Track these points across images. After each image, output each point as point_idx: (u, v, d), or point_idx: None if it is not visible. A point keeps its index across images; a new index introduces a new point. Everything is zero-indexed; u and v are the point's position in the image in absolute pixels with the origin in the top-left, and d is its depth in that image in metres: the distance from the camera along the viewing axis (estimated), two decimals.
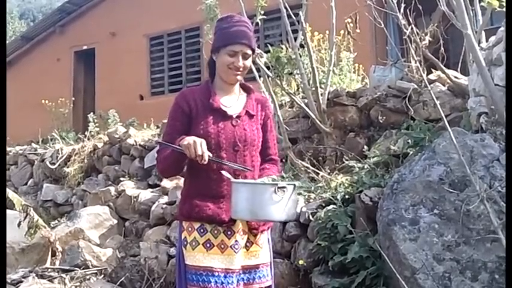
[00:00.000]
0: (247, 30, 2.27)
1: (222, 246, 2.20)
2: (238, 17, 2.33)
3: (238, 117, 2.26)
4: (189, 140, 2.08)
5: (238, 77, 2.28)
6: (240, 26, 2.26)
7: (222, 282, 2.15)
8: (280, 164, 2.52)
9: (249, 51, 2.26)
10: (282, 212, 2.05)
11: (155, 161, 2.29)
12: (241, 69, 2.25)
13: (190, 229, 2.21)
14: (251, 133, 2.27)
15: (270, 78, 5.04)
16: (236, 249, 2.21)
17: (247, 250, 2.26)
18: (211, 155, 2.11)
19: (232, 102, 2.31)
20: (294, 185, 2.10)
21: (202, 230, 2.20)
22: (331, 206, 3.56)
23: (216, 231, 2.20)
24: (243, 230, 2.25)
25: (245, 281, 2.23)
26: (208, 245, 2.19)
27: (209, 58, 2.34)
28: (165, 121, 6.78)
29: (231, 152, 2.21)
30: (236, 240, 2.21)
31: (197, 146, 2.05)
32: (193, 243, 2.19)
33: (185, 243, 2.21)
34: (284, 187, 2.04)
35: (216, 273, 2.15)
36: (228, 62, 2.23)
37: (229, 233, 2.21)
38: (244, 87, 2.39)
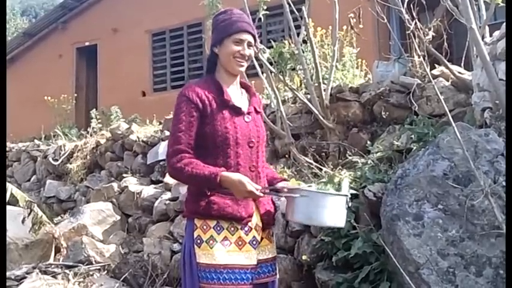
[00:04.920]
0: (248, 20, 2.31)
1: (240, 242, 2.18)
2: (236, 10, 2.35)
3: (248, 113, 2.28)
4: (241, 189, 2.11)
5: (243, 68, 2.29)
6: (241, 17, 2.29)
7: (243, 279, 2.15)
8: None
9: (253, 41, 2.29)
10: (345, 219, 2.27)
11: (170, 165, 2.18)
12: (246, 57, 2.26)
13: (205, 227, 2.17)
14: (261, 129, 2.31)
15: (272, 74, 5.03)
16: (254, 245, 2.21)
17: (259, 245, 2.26)
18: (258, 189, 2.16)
19: (238, 98, 2.31)
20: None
21: (218, 228, 2.17)
22: None
23: (232, 228, 2.18)
24: (258, 225, 2.25)
25: (257, 276, 2.23)
26: (225, 242, 2.16)
27: (209, 53, 2.32)
28: (168, 117, 6.82)
29: (247, 148, 2.22)
30: (254, 236, 2.22)
31: (248, 189, 2.10)
32: (211, 242, 2.15)
33: (199, 241, 2.16)
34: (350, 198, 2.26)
35: (237, 270, 2.14)
36: (233, 51, 2.23)
37: (246, 229, 2.20)
38: (242, 85, 2.39)
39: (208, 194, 2.17)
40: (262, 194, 2.15)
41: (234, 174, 2.12)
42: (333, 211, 2.18)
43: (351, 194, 2.35)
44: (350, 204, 2.26)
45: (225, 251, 2.15)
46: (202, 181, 2.12)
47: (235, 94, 2.30)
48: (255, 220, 2.24)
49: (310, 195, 2.19)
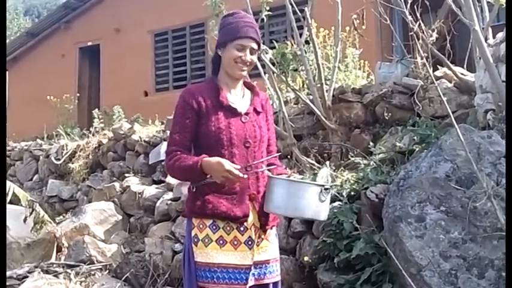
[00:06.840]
0: (254, 26, 2.31)
1: (235, 242, 2.20)
2: (244, 14, 2.37)
3: (246, 114, 2.28)
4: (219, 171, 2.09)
5: (244, 72, 2.30)
6: (247, 22, 2.29)
7: (237, 278, 2.16)
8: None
9: (256, 47, 2.29)
10: (325, 212, 2.16)
11: (165, 164, 2.28)
12: (248, 63, 2.27)
13: (201, 226, 2.20)
14: (260, 130, 2.30)
15: (275, 75, 5.03)
16: (250, 245, 2.21)
17: (258, 246, 2.26)
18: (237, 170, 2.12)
19: (238, 99, 2.32)
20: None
21: (214, 227, 2.20)
22: (336, 203, 3.56)
23: (228, 228, 2.20)
24: (255, 225, 2.25)
25: (256, 277, 2.23)
26: (221, 241, 2.18)
27: (214, 54, 2.35)
28: (170, 117, 6.82)
29: (242, 148, 2.23)
30: (249, 236, 2.22)
31: (225, 168, 2.08)
32: (206, 240, 2.18)
33: (196, 240, 2.19)
34: (328, 189, 2.12)
35: (231, 270, 2.16)
36: (235, 56, 2.24)
37: (242, 229, 2.21)
38: (247, 85, 2.40)
39: (205, 193, 2.19)
40: (242, 174, 2.13)
41: (214, 157, 2.13)
42: (306, 202, 2.10)
43: (332, 186, 2.27)
44: (328, 195, 2.12)
45: (219, 250, 2.18)
46: (188, 172, 2.18)
47: (235, 95, 2.32)
48: (252, 220, 2.23)
49: (283, 183, 2.15)
